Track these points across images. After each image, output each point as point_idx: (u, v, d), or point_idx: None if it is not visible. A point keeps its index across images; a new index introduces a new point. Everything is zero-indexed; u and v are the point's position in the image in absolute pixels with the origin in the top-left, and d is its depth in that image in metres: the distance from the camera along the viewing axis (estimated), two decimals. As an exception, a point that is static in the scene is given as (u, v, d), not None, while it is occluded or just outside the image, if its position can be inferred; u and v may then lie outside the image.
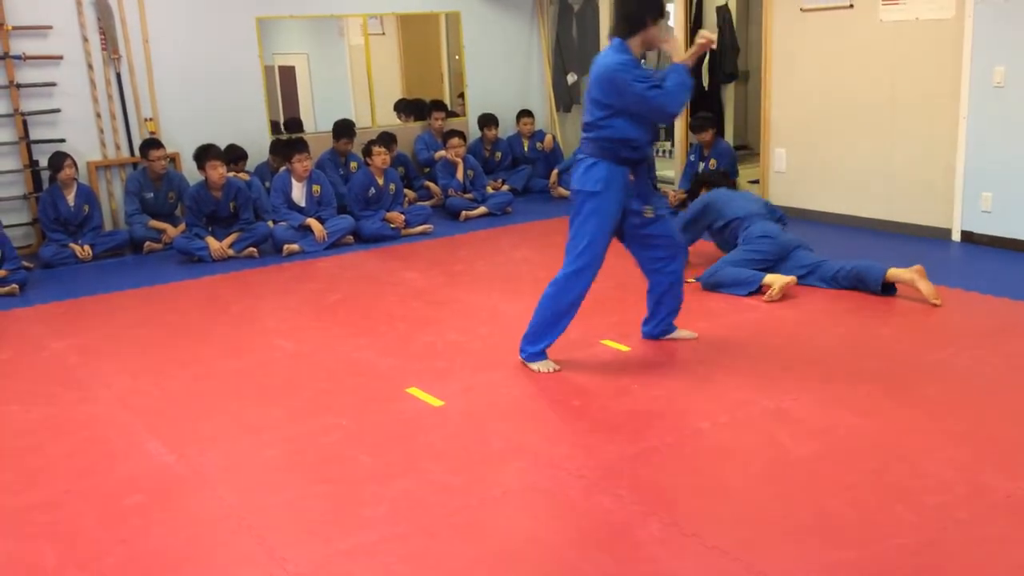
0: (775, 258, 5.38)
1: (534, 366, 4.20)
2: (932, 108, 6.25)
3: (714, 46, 4.07)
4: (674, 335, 4.54)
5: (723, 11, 8.96)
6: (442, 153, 8.32)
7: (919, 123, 6.36)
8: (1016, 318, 4.63)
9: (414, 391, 4.02)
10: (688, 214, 5.90)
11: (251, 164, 7.91)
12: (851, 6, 6.59)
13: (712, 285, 5.36)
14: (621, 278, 5.65)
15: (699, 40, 4.05)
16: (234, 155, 7.56)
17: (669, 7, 9.10)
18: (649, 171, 4.28)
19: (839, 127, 6.84)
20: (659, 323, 4.50)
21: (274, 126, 8.29)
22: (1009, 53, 5.77)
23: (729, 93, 9.38)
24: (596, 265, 4.14)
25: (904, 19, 6.32)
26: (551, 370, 4.17)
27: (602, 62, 4.00)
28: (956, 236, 6.25)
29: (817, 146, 7.03)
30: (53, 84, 7.19)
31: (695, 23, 9.02)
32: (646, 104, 3.92)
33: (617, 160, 4.04)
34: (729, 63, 9.02)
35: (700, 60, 8.91)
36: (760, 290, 5.16)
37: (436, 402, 3.89)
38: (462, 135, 8.22)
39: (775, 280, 5.10)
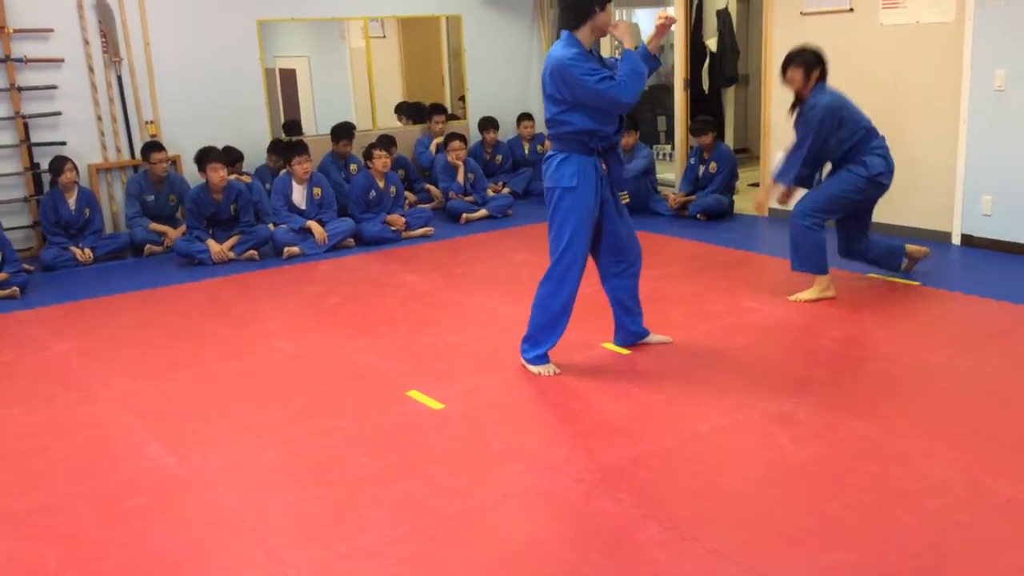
0: (864, 208, 5.16)
1: (535, 369, 4.20)
2: (933, 111, 6.25)
3: (675, 27, 4.00)
4: (648, 339, 4.50)
5: (723, 14, 8.98)
6: (438, 140, 8.35)
7: (920, 126, 6.36)
8: (1016, 321, 4.63)
9: (414, 394, 4.02)
10: (814, 124, 4.90)
11: (252, 167, 7.93)
12: (851, 10, 6.60)
13: (797, 228, 5.00)
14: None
15: (657, 22, 4.01)
16: (230, 157, 7.57)
17: (670, 10, 9.11)
18: (620, 159, 4.20)
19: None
20: (629, 329, 4.44)
21: (274, 128, 8.29)
22: (1010, 57, 5.77)
23: (729, 97, 9.40)
24: (581, 262, 4.11)
25: (904, 23, 6.32)
26: (552, 373, 4.17)
27: (551, 56, 3.95)
28: (956, 239, 6.25)
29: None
30: (54, 87, 7.20)
31: (696, 26, 9.03)
32: (598, 97, 3.86)
33: (586, 151, 4.01)
34: (729, 67, 9.04)
35: (699, 61, 8.95)
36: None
37: (436, 405, 3.89)
38: (463, 138, 8.24)
39: (823, 287, 5.02)
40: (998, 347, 4.28)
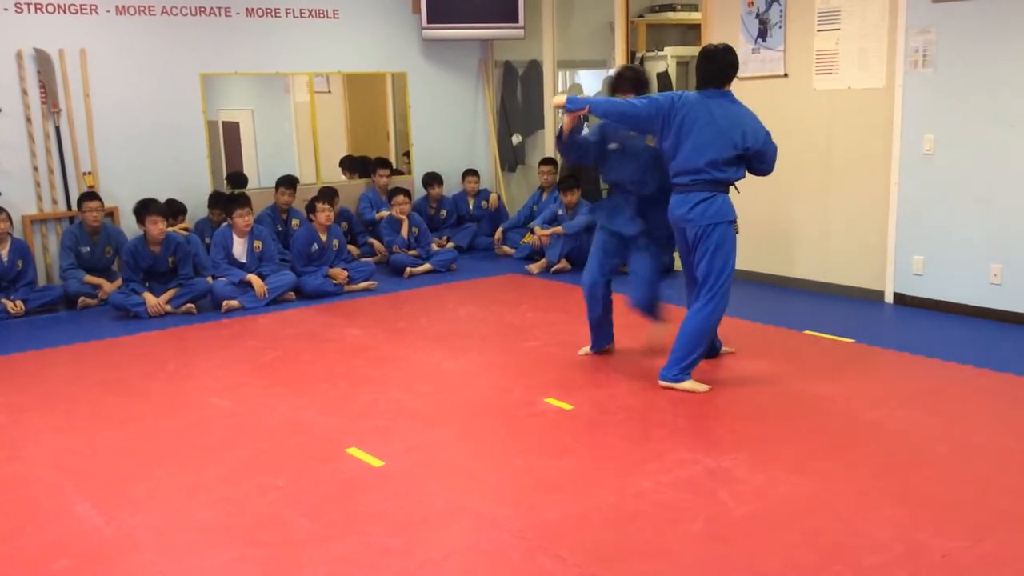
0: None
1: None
2: (865, 174, 6.44)
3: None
4: (722, 351, 5.18)
5: (663, 78, 9.20)
6: (383, 213, 8.34)
7: (853, 188, 6.54)
8: (948, 379, 4.74)
9: (354, 451, 3.97)
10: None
11: (192, 220, 7.84)
12: (786, 75, 6.81)
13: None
14: (565, 336, 5.68)
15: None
16: (173, 209, 7.49)
17: (610, 72, 9.29)
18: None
19: (775, 190, 6.99)
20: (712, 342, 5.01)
21: (216, 181, 8.22)
22: (938, 122, 5.98)
23: (670, 156, 9.58)
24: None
25: (837, 88, 6.53)
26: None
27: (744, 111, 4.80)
28: (889, 298, 6.41)
29: (753, 208, 7.18)
30: (-11, 136, 7.08)
31: (637, 87, 9.23)
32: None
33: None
34: (670, 126, 9.23)
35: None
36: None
37: (376, 462, 3.84)
38: (407, 192, 8.26)
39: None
40: (930, 404, 4.37)
